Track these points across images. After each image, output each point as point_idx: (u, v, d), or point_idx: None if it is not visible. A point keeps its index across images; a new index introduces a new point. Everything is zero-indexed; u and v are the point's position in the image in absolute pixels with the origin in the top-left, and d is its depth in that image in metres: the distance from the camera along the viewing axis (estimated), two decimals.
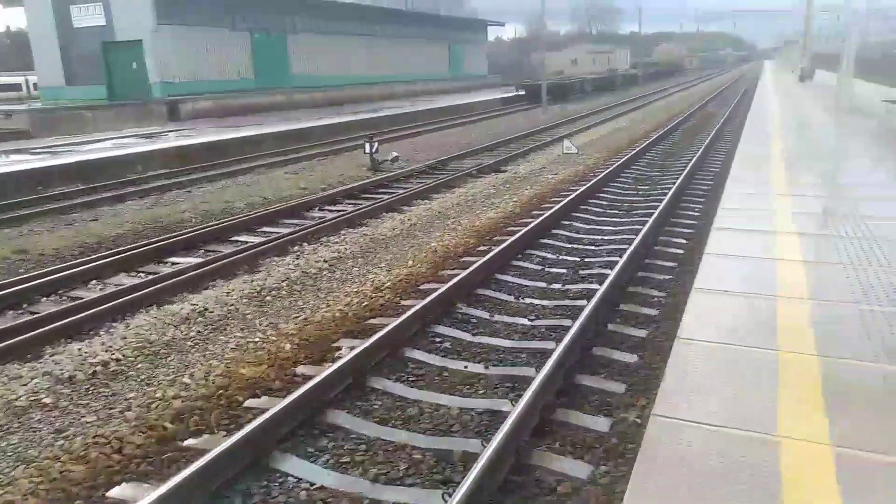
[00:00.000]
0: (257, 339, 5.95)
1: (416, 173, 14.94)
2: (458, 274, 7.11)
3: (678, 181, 11.87)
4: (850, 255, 5.68)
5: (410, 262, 8.14)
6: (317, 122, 24.24)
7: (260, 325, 6.31)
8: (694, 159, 14.21)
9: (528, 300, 6.90)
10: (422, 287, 7.24)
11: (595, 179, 12.63)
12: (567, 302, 6.76)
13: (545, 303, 6.77)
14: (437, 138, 22.08)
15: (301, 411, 4.48)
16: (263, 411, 4.33)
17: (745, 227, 6.86)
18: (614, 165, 14.29)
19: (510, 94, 40.31)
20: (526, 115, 30.63)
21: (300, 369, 5.33)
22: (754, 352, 3.92)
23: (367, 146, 15.51)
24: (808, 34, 51.74)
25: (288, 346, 5.74)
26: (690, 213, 10.28)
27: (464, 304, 6.69)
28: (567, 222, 9.91)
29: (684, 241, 8.69)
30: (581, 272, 7.70)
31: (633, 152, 16.25)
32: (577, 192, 11.44)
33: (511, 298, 6.93)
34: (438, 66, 57.02)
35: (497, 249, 7.94)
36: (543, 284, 7.36)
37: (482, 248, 8.69)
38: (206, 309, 6.61)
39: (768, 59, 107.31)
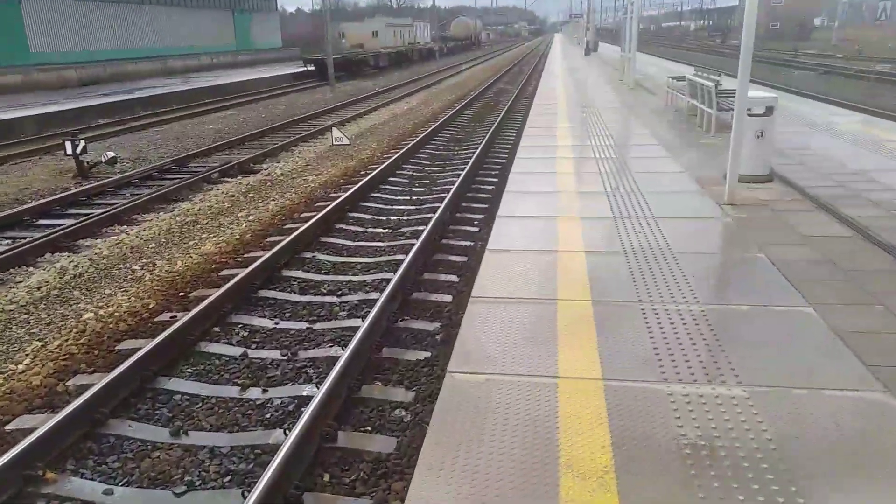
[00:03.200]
0: None
1: (138, 179, 11.47)
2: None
3: (457, 183, 9.77)
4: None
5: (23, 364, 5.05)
6: (30, 112, 19.19)
7: None
8: (478, 151, 12.27)
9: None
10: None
11: (363, 181, 10.17)
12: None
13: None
14: (192, 126, 18.33)
15: None
16: None
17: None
18: (391, 159, 11.96)
19: (300, 70, 36.74)
20: (311, 94, 27.51)
21: None
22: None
23: (69, 146, 11.67)
24: (590, 9, 53.74)
25: None
26: (467, 227, 8.16)
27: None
28: (308, 254, 7.31)
29: (454, 279, 6.48)
30: (296, 364, 5.14)
31: (417, 139, 14.08)
32: (336, 202, 8.91)
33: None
34: (222, 37, 51.42)
35: (161, 337, 5.13)
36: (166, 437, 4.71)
37: (161, 319, 5.81)
38: None
39: (558, 33, 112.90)
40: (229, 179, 11.31)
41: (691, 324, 3.78)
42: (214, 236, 8.12)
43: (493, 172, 11.13)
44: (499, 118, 16.91)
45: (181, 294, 6.35)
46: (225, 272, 6.86)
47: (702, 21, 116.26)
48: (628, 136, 10.70)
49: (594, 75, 24.77)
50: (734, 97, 10.61)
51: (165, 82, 30.93)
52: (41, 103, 21.50)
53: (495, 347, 3.65)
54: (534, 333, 3.80)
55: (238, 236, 8.07)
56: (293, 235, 7.48)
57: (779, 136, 8.29)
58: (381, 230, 8.27)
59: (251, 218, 8.88)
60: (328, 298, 6.13)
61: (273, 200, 9.83)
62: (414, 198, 9.85)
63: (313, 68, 35.79)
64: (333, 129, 13.25)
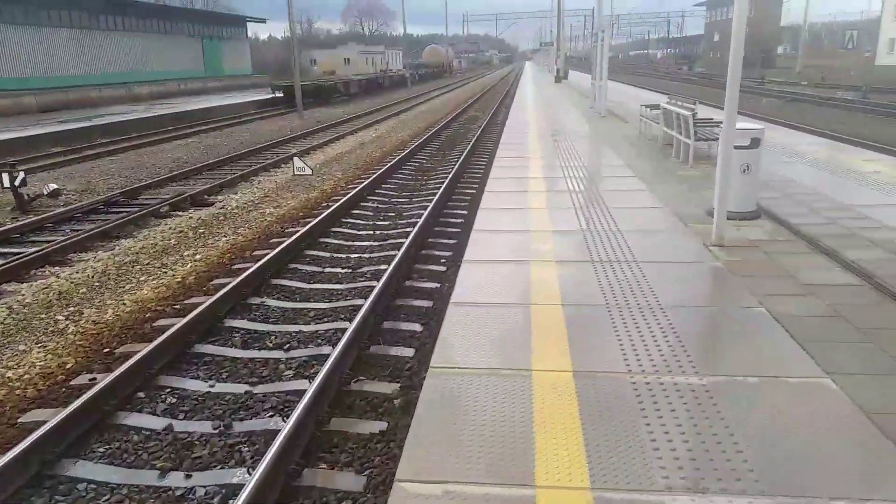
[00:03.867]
0: None
1: (82, 213, 10.65)
2: None
3: (423, 216, 9.16)
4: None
5: None
6: None
7: None
8: (446, 182, 11.70)
9: None
10: None
11: (324, 215, 9.51)
12: None
13: None
14: (150, 156, 17.52)
15: None
16: None
17: None
18: (356, 189, 11.34)
19: (269, 96, 36.09)
20: (279, 122, 26.84)
21: None
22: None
23: (6, 178, 10.82)
24: (559, 38, 54.23)
25: None
26: (433, 266, 7.52)
27: None
28: (256, 300, 6.59)
29: (417, 329, 5.83)
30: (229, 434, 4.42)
31: (384, 169, 13.47)
32: (292, 238, 8.23)
33: None
34: (190, 63, 50.61)
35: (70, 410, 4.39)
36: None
37: (78, 382, 5.05)
38: None
39: (529, 61, 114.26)
40: (180, 213, 10.55)
41: (693, 406, 3.17)
42: (154, 279, 7.36)
43: (462, 204, 10.55)
44: (468, 146, 16.42)
45: (106, 350, 5.58)
46: (160, 322, 6.12)
47: (668, 49, 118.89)
48: (602, 166, 10.24)
49: (565, 102, 24.56)
50: (712, 126, 10.35)
51: (128, 109, 30.05)
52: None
53: (457, 439, 2.99)
54: (505, 416, 3.15)
55: (180, 279, 7.33)
56: (241, 278, 6.78)
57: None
58: (339, 270, 7.59)
59: (198, 257, 8.14)
60: (274, 354, 5.42)
61: (224, 237, 9.10)
62: (377, 232, 9.20)
63: (282, 95, 35.21)
64: (295, 158, 12.60)
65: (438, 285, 6.87)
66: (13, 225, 9.71)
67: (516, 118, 18.97)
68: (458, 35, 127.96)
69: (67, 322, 6.15)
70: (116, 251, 8.38)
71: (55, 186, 11.47)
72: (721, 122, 5.77)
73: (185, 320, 5.70)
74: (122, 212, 10.74)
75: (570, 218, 6.92)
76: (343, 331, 5.46)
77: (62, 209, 10.73)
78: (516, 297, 4.74)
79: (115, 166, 15.84)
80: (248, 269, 7.14)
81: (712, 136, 9.45)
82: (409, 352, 5.34)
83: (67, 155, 17.60)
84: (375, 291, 6.21)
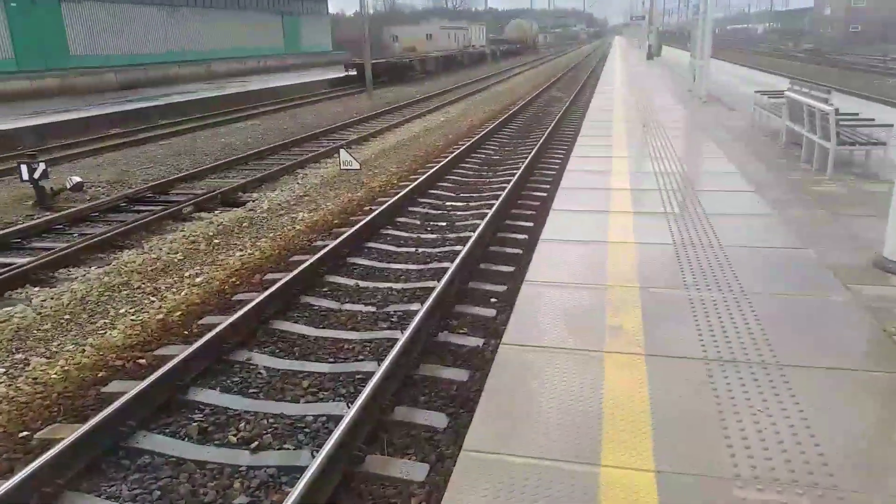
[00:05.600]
0: None
1: (99, 212, 9.53)
2: None
3: (479, 228, 7.40)
4: None
5: None
6: (32, 122, 17.72)
7: None
8: (512, 183, 9.84)
9: None
10: None
11: (361, 223, 7.93)
12: None
13: None
14: (203, 140, 16.50)
15: None
16: None
17: None
18: (407, 189, 9.70)
19: (343, 75, 34.89)
20: (347, 102, 25.52)
21: None
22: None
23: (25, 171, 9.82)
24: (653, 10, 50.41)
25: None
26: (478, 309, 5.77)
27: None
28: (241, 357, 5.07)
29: (442, 421, 4.13)
30: None
31: (443, 162, 11.76)
32: (315, 257, 6.71)
33: None
34: (270, 40, 50.26)
35: None
36: None
37: None
38: None
39: (618, 35, 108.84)
40: (204, 215, 9.23)
41: None
42: (135, 312, 5.98)
43: (527, 214, 8.69)
44: (544, 136, 14.42)
45: (26, 432, 4.19)
46: (112, 386, 4.69)
47: (769, 24, 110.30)
48: (708, 174, 8.10)
49: (658, 84, 21.95)
50: (861, 126, 7.95)
51: (199, 87, 29.57)
52: (56, 110, 20.16)
53: None
54: None
55: (164, 315, 5.90)
56: (235, 317, 5.29)
57: None
58: (361, 307, 5.97)
59: (199, 280, 6.72)
60: (239, 457, 3.85)
61: (241, 250, 7.66)
62: (420, 250, 7.52)
63: (355, 73, 33.94)
64: (342, 150, 11.06)
65: (483, 341, 5.14)
66: (21, 226, 8.65)
67: (600, 103, 16.75)
68: (544, 10, 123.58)
69: (3, 378, 4.82)
70: (111, 267, 7.09)
71: (78, 179, 10.43)
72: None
73: (140, 386, 4.26)
74: (143, 211, 9.54)
75: (666, 261, 4.97)
76: (339, 419, 3.85)
77: (81, 206, 9.65)
78: (588, 391, 2.95)
79: (163, 151, 14.88)
80: (248, 302, 5.64)
81: (863, 139, 7.17)
82: (427, 455, 3.65)
83: (120, 138, 16.86)
84: (393, 353, 4.56)
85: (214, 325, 5.30)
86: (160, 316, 5.87)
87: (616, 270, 4.80)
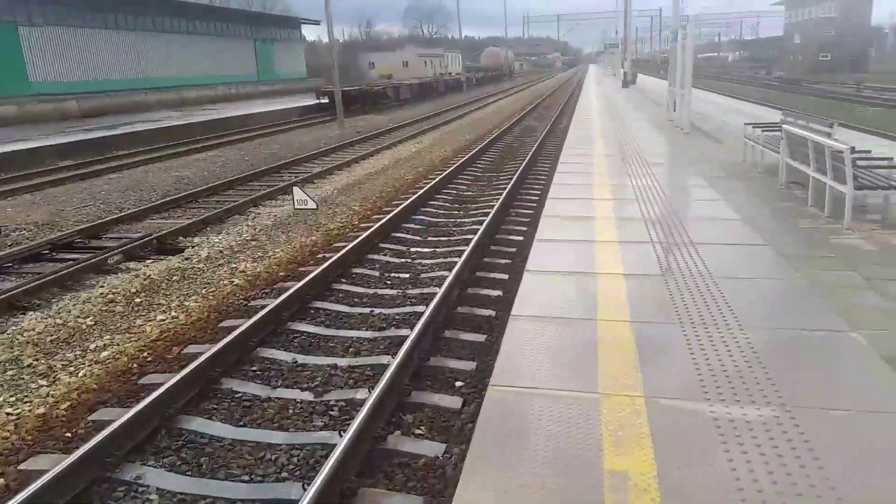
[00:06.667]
0: None
1: (14, 261, 8.32)
2: None
3: (447, 281, 6.33)
4: None
5: None
6: None
7: None
8: (484, 225, 8.80)
9: None
10: None
11: (310, 277, 6.82)
12: None
13: None
14: (155, 173, 15.37)
15: None
16: None
17: None
18: (368, 232, 8.64)
19: (315, 102, 33.91)
20: (317, 131, 24.54)
21: None
22: None
23: None
24: (627, 39, 50.50)
25: None
26: (437, 396, 4.69)
27: None
28: (126, 477, 3.91)
29: None
30: None
31: (411, 199, 10.73)
32: (249, 322, 5.58)
33: None
34: (243, 66, 49.31)
35: None
36: None
37: None
38: None
39: (593, 64, 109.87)
40: (132, 266, 8.07)
41: None
42: (14, 402, 4.80)
43: (502, 264, 7.66)
44: (520, 169, 13.49)
45: None
46: None
47: (739, 52, 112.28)
48: (707, 221, 7.12)
49: (636, 113, 21.30)
50: (878, 166, 7.02)
51: (165, 115, 28.39)
52: (3, 140, 18.82)
53: None
54: None
55: (49, 406, 4.72)
56: (134, 411, 4.19)
57: None
58: (296, 394, 4.84)
59: (104, 355, 5.55)
60: None
61: (164, 312, 6.50)
62: (376, 311, 6.42)
63: (326, 101, 33.00)
64: (295, 189, 9.98)
65: (448, 423, 4.06)
66: None
67: (579, 133, 15.94)
68: (518, 38, 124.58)
69: None
70: (4, 337, 5.89)
71: None
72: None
73: None
74: (67, 260, 8.35)
75: (676, 354, 3.93)
76: None
77: None
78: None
79: (108, 187, 13.69)
80: (154, 389, 4.52)
81: (884, 182, 6.28)
82: None
83: (68, 171, 15.63)
84: (325, 472, 3.46)
85: (105, 424, 4.17)
86: (42, 409, 4.68)
87: (609, 370, 3.73)
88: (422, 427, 4.35)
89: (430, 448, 4.09)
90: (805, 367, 3.65)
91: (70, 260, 8.31)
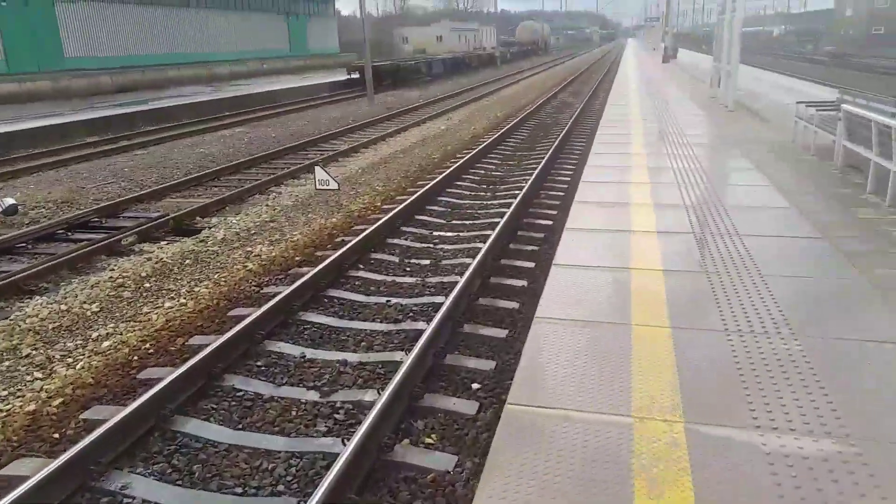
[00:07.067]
0: None
1: (35, 238, 8.16)
2: None
3: (469, 269, 5.90)
4: None
5: None
6: (5, 128, 16.43)
7: None
8: (512, 207, 8.32)
9: None
10: None
11: (327, 262, 6.48)
12: None
13: None
14: (180, 150, 15.15)
15: None
16: None
17: None
18: (389, 214, 8.26)
19: (345, 78, 33.46)
20: (346, 107, 24.12)
21: None
22: None
23: None
24: (668, 12, 48.74)
25: None
26: (456, 400, 4.30)
27: None
28: (115, 488, 3.62)
29: None
30: None
31: (437, 179, 10.30)
32: (260, 311, 5.27)
33: None
34: (275, 41, 49.00)
35: None
36: None
37: None
38: None
39: (632, 38, 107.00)
40: (146, 247, 7.83)
41: None
42: (7, 397, 4.55)
43: (528, 251, 7.19)
44: (552, 148, 12.92)
45: None
46: None
47: (785, 26, 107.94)
48: (755, 210, 6.50)
49: (677, 89, 20.38)
50: None
51: (195, 91, 28.29)
52: (36, 115, 18.87)
53: None
54: None
55: (41, 402, 4.46)
56: (129, 410, 3.92)
57: None
58: (301, 394, 4.50)
59: (105, 345, 5.28)
60: None
61: (172, 299, 6.22)
62: (393, 301, 6.04)
63: (358, 76, 32.51)
64: (317, 168, 9.60)
65: (463, 431, 3.68)
66: None
67: (615, 110, 15.23)
68: (556, 11, 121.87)
69: None
70: (6, 323, 5.68)
71: (12, 201, 9.09)
72: None
73: None
74: (81, 240, 8.14)
75: (720, 371, 3.46)
76: None
77: (11, 233, 8.27)
78: None
79: (132, 163, 13.52)
80: (153, 385, 4.24)
81: None
82: None
83: (94, 147, 15.54)
84: (326, 483, 3.12)
85: (97, 424, 3.89)
86: (33, 406, 4.42)
87: (644, 386, 3.27)
88: (433, 435, 3.97)
89: (441, 461, 3.70)
90: (871, 389, 3.14)
91: (84, 240, 8.10)
